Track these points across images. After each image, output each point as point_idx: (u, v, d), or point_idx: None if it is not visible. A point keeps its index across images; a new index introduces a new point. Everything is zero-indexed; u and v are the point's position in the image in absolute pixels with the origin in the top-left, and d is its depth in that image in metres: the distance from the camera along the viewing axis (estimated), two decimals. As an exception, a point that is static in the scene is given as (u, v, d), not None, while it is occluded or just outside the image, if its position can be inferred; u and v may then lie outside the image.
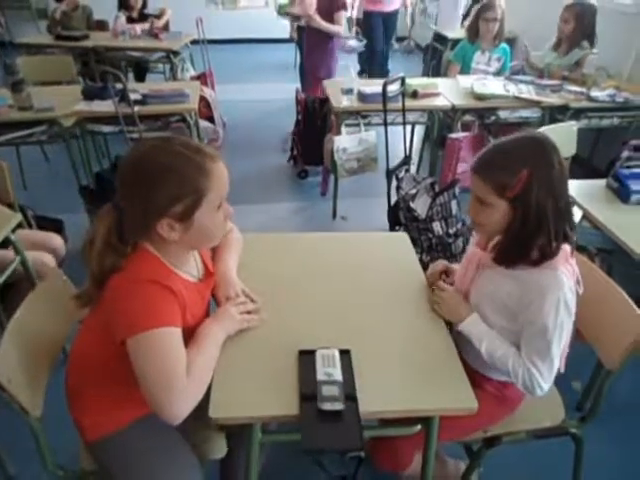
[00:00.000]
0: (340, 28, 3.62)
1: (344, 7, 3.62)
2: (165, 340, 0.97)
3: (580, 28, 3.05)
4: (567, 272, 1.09)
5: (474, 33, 3.34)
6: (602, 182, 2.03)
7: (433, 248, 2.40)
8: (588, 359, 1.41)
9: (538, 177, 1.03)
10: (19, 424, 1.09)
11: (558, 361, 1.12)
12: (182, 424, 1.09)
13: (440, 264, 1.38)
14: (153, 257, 1.03)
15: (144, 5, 4.42)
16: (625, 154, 2.21)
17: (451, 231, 2.38)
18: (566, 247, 1.11)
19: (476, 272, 1.23)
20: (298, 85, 4.50)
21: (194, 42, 4.31)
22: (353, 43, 4.52)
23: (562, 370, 1.19)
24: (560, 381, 1.36)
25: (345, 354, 1.11)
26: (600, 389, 1.27)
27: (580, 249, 1.71)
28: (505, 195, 1.06)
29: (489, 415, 1.29)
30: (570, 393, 1.45)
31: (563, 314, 1.07)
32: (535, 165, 1.03)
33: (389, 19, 4.73)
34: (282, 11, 3.88)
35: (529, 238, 1.07)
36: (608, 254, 1.89)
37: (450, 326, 1.24)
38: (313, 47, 3.76)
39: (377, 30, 4.73)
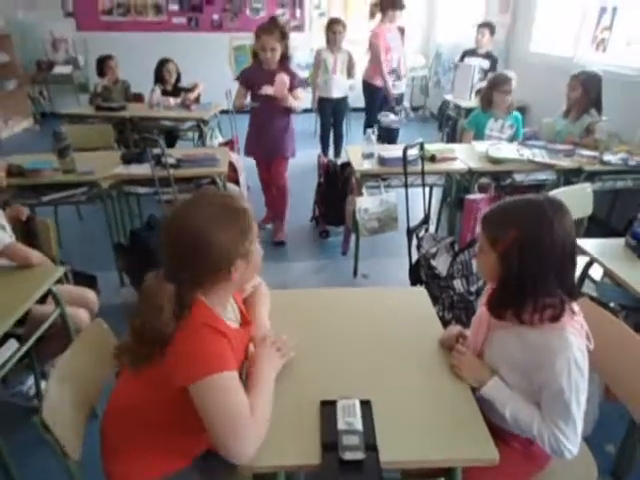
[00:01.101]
0: (301, 104, 3.33)
1: (301, 84, 3.41)
2: (228, 384, 1.02)
3: (587, 94, 3.21)
4: (575, 331, 1.11)
5: (487, 103, 3.53)
6: (620, 241, 2.07)
7: (455, 306, 2.42)
8: (621, 421, 1.38)
9: (525, 240, 1.08)
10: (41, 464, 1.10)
11: (581, 422, 1.12)
12: (213, 474, 1.12)
13: (455, 329, 1.40)
14: (206, 307, 1.09)
15: (178, 79, 4.79)
16: (642, 214, 2.26)
17: (472, 289, 2.41)
18: (572, 305, 1.14)
19: (487, 332, 1.25)
20: (319, 151, 4.74)
21: (223, 112, 4.61)
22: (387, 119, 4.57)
23: (587, 433, 1.18)
24: (593, 444, 1.35)
25: (366, 404, 1.14)
26: (634, 447, 1.26)
27: (603, 306, 1.72)
28: (495, 248, 1.13)
29: (517, 472, 1.27)
30: (603, 457, 1.41)
31: (576, 374, 1.08)
32: (525, 228, 1.09)
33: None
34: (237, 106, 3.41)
35: (512, 294, 1.12)
36: (633, 312, 1.90)
37: (473, 389, 1.25)
38: (276, 128, 3.35)
39: (376, 101, 4.89)
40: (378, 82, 4.81)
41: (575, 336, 1.10)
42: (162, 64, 4.65)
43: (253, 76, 3.23)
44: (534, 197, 1.17)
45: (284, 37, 3.08)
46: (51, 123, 5.80)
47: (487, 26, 4.97)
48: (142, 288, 1.07)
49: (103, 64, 4.64)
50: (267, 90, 3.11)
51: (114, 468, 1.16)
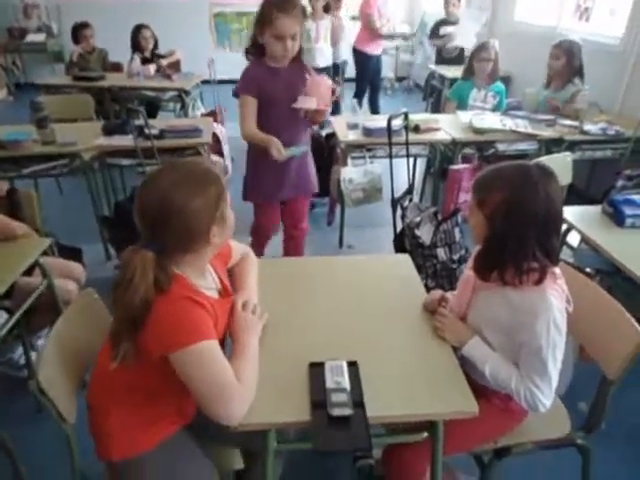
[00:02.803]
0: None
1: None
2: (207, 353, 1.03)
3: (570, 63, 3.23)
4: (556, 293, 1.16)
5: (468, 72, 3.54)
6: (598, 208, 2.13)
7: (437, 274, 2.48)
8: (593, 381, 1.45)
9: (509, 203, 1.12)
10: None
11: (556, 378, 1.19)
12: (201, 437, 1.16)
13: (437, 293, 1.45)
14: (184, 280, 1.10)
15: (155, 46, 4.65)
16: (620, 183, 2.34)
17: (455, 257, 2.47)
18: (554, 269, 1.19)
19: (472, 294, 1.30)
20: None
21: (205, 82, 4.53)
22: None
23: (561, 392, 1.25)
24: (567, 402, 1.43)
25: (352, 365, 1.19)
26: (604, 399, 1.33)
27: (579, 270, 1.79)
28: (482, 209, 1.17)
29: (497, 426, 1.34)
30: (576, 414, 1.49)
31: (554, 333, 1.14)
32: (510, 191, 1.13)
33: (377, 61, 5.01)
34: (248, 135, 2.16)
35: (495, 254, 1.18)
36: (607, 275, 1.98)
37: (455, 349, 1.30)
38: (302, 158, 2.31)
39: (368, 70, 4.96)
40: (370, 50, 4.78)
41: (555, 297, 1.15)
42: (137, 30, 4.50)
43: (264, 81, 2.08)
44: (524, 163, 1.20)
45: (305, 17, 2.16)
46: (26, 94, 5.60)
47: None
48: (120, 261, 1.07)
49: (78, 32, 4.48)
50: (308, 104, 2.01)
51: (104, 435, 1.15)
